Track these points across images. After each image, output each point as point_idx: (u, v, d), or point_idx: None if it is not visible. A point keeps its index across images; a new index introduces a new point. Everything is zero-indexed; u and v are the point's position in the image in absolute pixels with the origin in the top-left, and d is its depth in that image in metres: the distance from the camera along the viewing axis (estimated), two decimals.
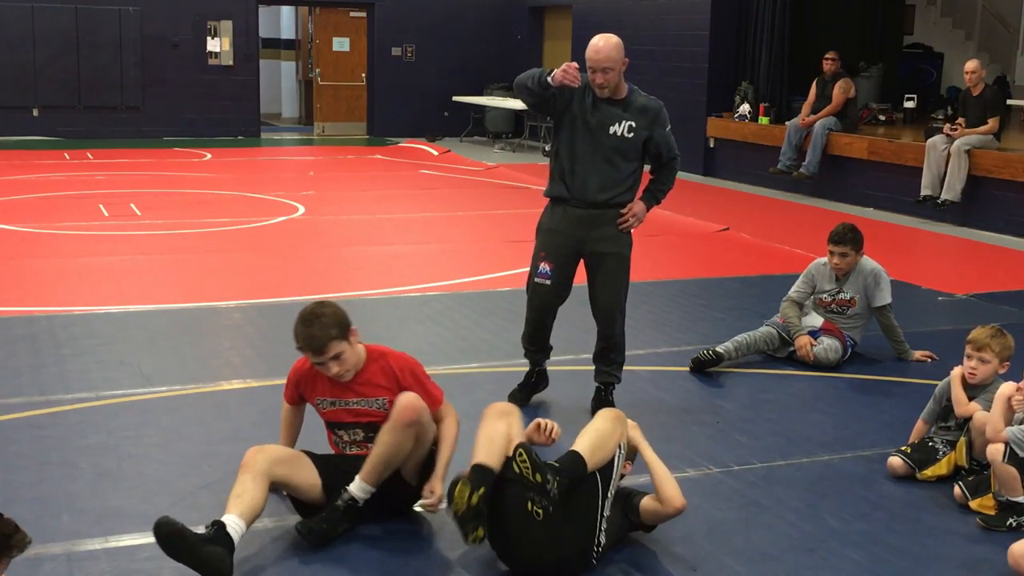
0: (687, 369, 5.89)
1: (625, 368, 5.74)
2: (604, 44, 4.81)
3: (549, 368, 5.52)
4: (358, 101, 20.56)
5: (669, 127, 5.05)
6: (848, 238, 6.07)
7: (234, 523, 3.58)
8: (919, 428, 4.70)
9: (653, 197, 5.14)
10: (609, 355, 5.25)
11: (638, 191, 5.13)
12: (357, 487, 3.86)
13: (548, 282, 5.07)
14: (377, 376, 3.98)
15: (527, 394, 5.32)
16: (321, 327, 3.85)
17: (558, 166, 5.05)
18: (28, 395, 5.29)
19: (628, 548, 3.84)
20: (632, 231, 5.13)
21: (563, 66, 4.72)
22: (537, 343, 5.30)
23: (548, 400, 5.40)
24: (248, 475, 3.71)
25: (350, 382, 3.96)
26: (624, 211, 5.00)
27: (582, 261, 5.14)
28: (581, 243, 5.04)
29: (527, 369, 5.39)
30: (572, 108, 4.95)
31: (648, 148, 5.02)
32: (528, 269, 5.24)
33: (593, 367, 5.35)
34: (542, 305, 5.16)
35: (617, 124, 4.92)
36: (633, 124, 4.93)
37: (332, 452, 4.10)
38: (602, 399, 5.25)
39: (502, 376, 5.77)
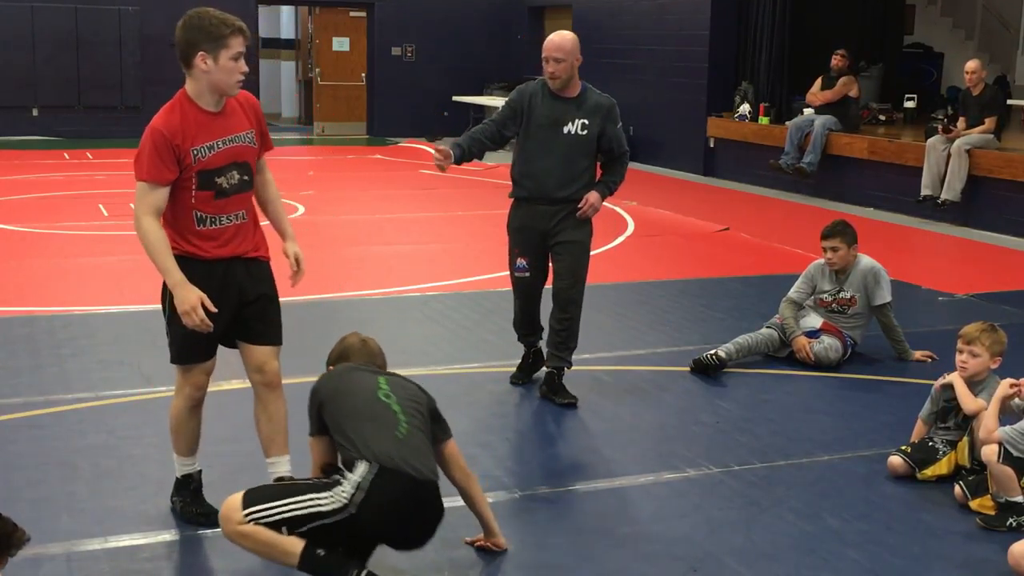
0: (687, 369, 5.88)
1: (625, 368, 5.76)
2: (557, 37, 5.32)
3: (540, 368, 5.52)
4: (358, 101, 20.56)
5: (620, 124, 5.41)
6: (838, 231, 6.08)
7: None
8: (919, 429, 4.70)
9: (607, 187, 5.43)
10: (564, 340, 5.40)
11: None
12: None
13: (527, 274, 5.45)
14: (236, 108, 3.86)
15: (527, 374, 5.65)
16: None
17: (518, 169, 5.37)
18: (28, 395, 5.29)
19: (627, 547, 3.84)
20: (596, 224, 5.49)
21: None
22: (527, 327, 5.63)
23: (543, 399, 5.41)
24: None
25: (218, 117, 3.79)
26: (581, 203, 5.28)
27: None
28: (546, 236, 5.36)
29: (523, 352, 5.68)
30: (527, 115, 5.29)
31: (601, 143, 5.34)
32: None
33: (546, 351, 5.51)
34: (524, 293, 5.52)
35: (570, 123, 5.26)
36: (586, 122, 5.27)
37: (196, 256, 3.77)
38: (555, 384, 5.39)
39: (502, 376, 5.77)
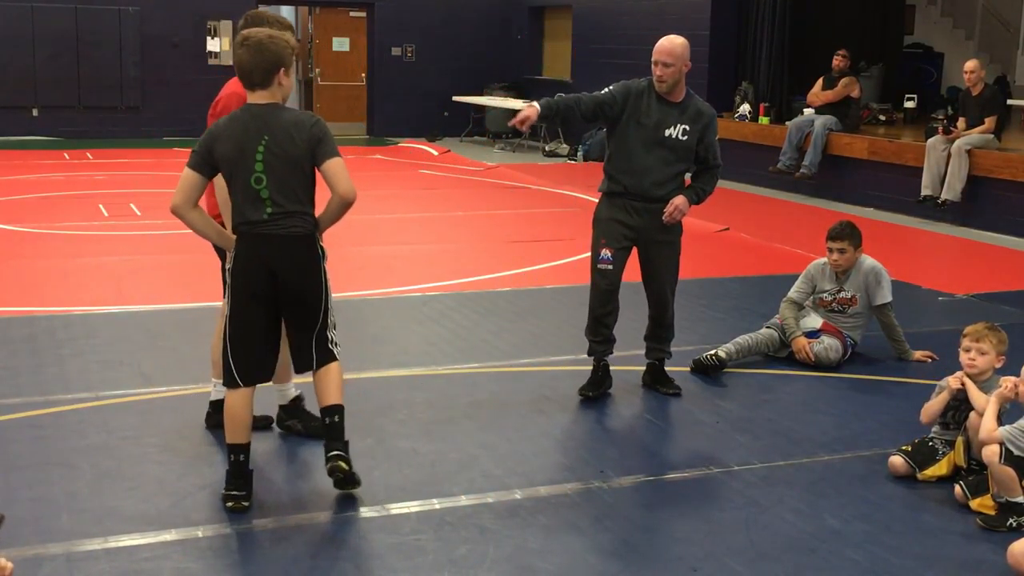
0: (687, 369, 5.88)
1: (626, 368, 5.75)
2: (667, 42, 5.36)
3: (540, 369, 5.51)
4: (358, 101, 20.56)
5: (717, 135, 5.46)
6: (846, 233, 6.08)
7: None
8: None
9: (695, 194, 5.44)
10: (662, 334, 5.57)
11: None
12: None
13: (611, 266, 5.37)
14: None
15: (597, 388, 5.48)
16: None
17: (615, 165, 5.37)
18: (28, 395, 5.29)
19: (627, 547, 3.84)
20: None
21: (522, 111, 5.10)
22: (601, 332, 5.46)
23: (550, 396, 5.41)
24: None
25: None
26: (667, 207, 5.32)
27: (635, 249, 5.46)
28: (637, 232, 5.37)
29: (592, 365, 5.53)
30: (630, 111, 5.30)
31: (697, 151, 5.38)
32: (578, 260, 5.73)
33: (645, 347, 5.61)
34: (607, 289, 5.39)
35: (672, 127, 5.30)
36: (687, 128, 5.31)
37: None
38: (658, 374, 5.58)
39: (502, 376, 5.78)
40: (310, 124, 3.99)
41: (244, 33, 4.06)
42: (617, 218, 5.36)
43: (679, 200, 5.32)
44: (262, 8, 4.52)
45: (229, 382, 4.09)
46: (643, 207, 5.32)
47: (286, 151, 3.95)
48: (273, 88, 4.02)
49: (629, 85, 5.37)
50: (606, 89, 5.36)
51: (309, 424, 4.80)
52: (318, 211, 4.14)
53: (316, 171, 4.05)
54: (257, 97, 4.03)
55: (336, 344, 4.19)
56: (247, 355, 4.07)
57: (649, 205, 5.32)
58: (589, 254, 5.46)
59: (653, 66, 5.27)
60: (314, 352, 4.12)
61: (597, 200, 5.56)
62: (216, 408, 4.76)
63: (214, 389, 4.80)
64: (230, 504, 4.03)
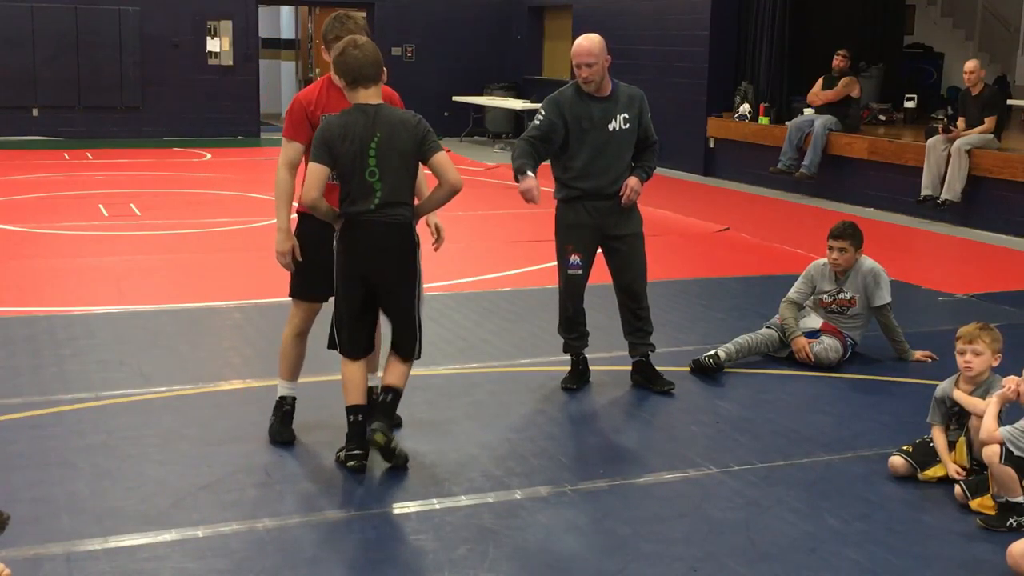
0: (687, 369, 5.88)
1: (625, 368, 5.75)
2: (586, 42, 5.34)
3: (540, 369, 5.51)
4: None
5: (650, 113, 5.55)
6: (848, 233, 6.08)
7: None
8: (935, 436, 4.61)
9: (643, 171, 5.52)
10: (642, 327, 5.59)
11: None
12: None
13: (580, 271, 5.49)
14: None
15: (580, 380, 5.62)
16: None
17: (570, 173, 5.42)
18: (28, 395, 5.29)
19: (628, 547, 3.84)
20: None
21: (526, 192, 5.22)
22: (577, 329, 5.60)
23: (550, 396, 5.41)
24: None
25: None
26: (621, 190, 5.39)
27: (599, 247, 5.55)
28: (602, 231, 5.47)
29: (571, 360, 5.65)
30: (571, 122, 5.35)
31: (638, 133, 5.46)
32: (551, 267, 5.70)
33: (627, 345, 5.65)
34: (577, 292, 5.54)
35: (614, 119, 5.37)
36: (627, 116, 5.40)
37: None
38: (646, 370, 5.61)
39: (502, 376, 5.78)
40: (415, 122, 4.34)
41: (353, 38, 4.35)
42: (580, 222, 5.44)
43: (632, 181, 5.40)
44: (340, 11, 4.78)
45: (343, 353, 4.44)
46: (604, 206, 5.41)
47: (396, 147, 4.27)
48: (379, 86, 4.33)
49: (556, 99, 5.39)
50: (538, 117, 5.38)
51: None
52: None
53: (419, 165, 4.40)
54: (365, 96, 4.29)
55: (421, 344, 4.49)
56: (351, 331, 4.41)
57: (609, 203, 5.42)
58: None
59: (576, 69, 5.30)
60: (404, 342, 4.45)
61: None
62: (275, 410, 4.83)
63: (280, 385, 4.86)
64: (351, 463, 4.32)
